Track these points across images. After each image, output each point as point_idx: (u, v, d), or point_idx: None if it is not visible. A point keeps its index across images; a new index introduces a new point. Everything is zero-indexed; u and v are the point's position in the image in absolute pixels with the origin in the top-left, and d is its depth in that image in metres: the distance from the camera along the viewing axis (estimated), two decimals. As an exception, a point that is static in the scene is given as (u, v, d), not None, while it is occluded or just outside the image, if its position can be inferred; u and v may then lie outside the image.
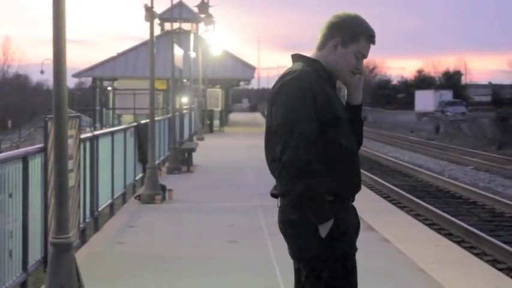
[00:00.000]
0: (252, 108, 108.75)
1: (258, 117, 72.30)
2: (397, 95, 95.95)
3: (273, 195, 3.67)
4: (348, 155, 3.59)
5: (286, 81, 3.55)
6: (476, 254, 10.44)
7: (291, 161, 3.41)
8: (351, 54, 3.62)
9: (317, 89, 3.51)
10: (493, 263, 10.54)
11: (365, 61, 3.75)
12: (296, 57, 3.72)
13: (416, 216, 14.52)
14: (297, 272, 3.66)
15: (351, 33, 3.61)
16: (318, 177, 3.40)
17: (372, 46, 3.69)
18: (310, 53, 3.71)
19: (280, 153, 3.45)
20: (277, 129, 3.49)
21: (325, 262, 3.49)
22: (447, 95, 76.68)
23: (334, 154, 3.53)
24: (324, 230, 3.44)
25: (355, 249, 3.59)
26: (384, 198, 15.83)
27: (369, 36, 3.64)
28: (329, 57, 3.64)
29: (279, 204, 3.63)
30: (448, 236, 12.36)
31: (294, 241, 3.55)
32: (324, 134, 3.48)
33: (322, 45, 3.67)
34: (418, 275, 7.51)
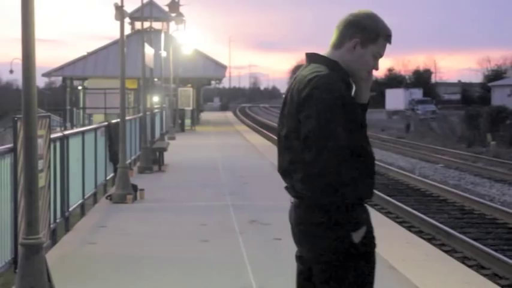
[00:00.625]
0: (224, 107, 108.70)
1: (230, 116, 72.31)
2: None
3: (295, 196, 3.56)
4: (371, 160, 3.57)
5: (315, 87, 3.43)
6: (446, 251, 10.53)
7: (324, 174, 3.33)
8: (370, 54, 3.58)
9: (346, 97, 3.47)
10: (463, 260, 10.64)
11: None
12: (313, 58, 3.62)
13: (387, 213, 14.61)
14: (304, 273, 3.62)
15: (370, 34, 3.56)
16: (350, 187, 3.36)
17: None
18: (324, 51, 3.63)
19: (310, 163, 3.36)
20: (308, 138, 3.39)
21: (348, 263, 3.46)
22: (417, 93, 77.23)
23: (361, 160, 3.48)
24: (357, 236, 3.43)
25: (375, 246, 3.57)
26: (355, 196, 15.87)
27: (387, 37, 3.62)
28: (347, 57, 3.57)
29: (295, 202, 3.56)
30: (419, 233, 12.45)
31: (318, 243, 3.48)
32: (352, 140, 3.42)
33: (339, 44, 3.59)
34: (389, 272, 7.55)
